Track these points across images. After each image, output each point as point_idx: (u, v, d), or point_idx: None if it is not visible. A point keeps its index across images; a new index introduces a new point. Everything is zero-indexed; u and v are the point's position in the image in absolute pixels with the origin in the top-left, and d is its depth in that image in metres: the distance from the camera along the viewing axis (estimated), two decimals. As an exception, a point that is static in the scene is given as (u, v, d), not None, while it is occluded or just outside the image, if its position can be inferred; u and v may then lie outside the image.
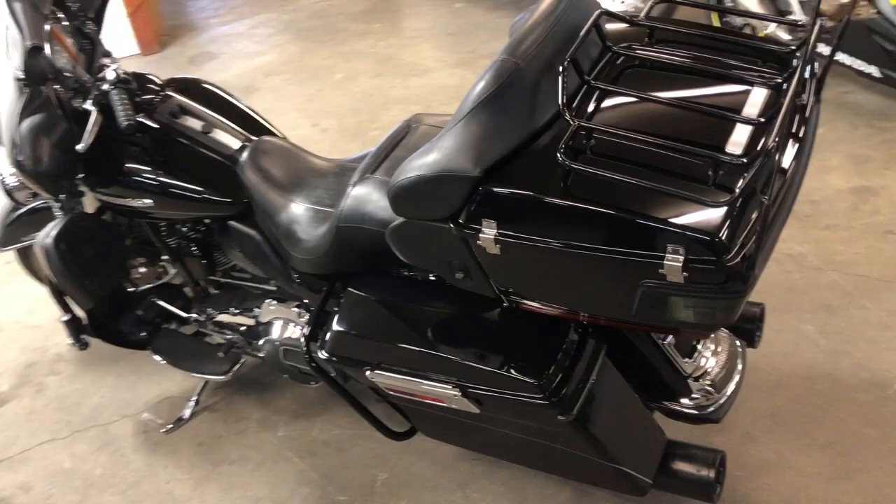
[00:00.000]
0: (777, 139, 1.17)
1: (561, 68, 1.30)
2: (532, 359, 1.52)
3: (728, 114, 1.30)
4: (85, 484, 2.21)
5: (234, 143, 2.03)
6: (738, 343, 1.86)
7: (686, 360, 1.72)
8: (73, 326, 2.21)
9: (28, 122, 1.84)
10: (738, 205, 1.20)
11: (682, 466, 1.70)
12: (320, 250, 1.78)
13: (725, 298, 1.25)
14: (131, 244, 2.24)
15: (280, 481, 2.13)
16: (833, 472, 1.95)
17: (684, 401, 1.74)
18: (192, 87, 2.16)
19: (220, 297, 2.30)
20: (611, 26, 1.53)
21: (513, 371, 1.50)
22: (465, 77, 3.98)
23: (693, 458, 1.71)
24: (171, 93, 2.06)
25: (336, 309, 1.72)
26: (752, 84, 1.37)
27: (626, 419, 1.68)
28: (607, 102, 1.40)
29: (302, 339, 1.84)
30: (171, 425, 2.31)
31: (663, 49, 1.46)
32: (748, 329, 1.92)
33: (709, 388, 1.74)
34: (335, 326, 1.68)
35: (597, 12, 1.43)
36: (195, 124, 2.03)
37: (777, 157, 1.23)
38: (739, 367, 1.81)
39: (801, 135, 1.39)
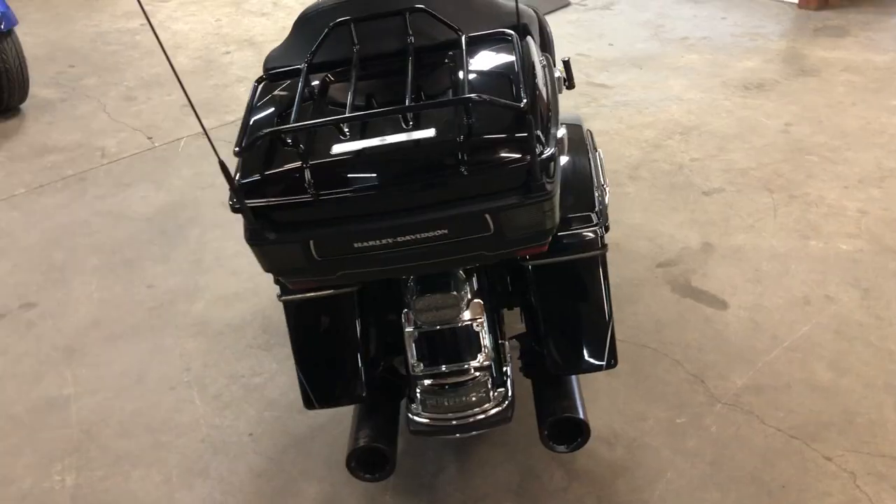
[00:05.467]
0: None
1: (326, 30, 1.66)
2: None
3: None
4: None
5: None
6: (505, 398, 1.77)
7: (419, 363, 1.75)
8: None
9: None
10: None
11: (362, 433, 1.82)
12: None
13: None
14: None
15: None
16: None
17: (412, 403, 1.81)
18: None
19: None
20: None
21: None
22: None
23: (369, 432, 1.81)
24: None
25: None
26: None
27: (328, 346, 1.86)
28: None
29: None
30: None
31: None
32: (547, 411, 1.81)
33: (422, 399, 1.76)
34: None
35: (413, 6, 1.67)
36: None
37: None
38: (477, 413, 1.75)
39: None
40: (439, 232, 1.48)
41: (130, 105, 4.36)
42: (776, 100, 3.89)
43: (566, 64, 2.59)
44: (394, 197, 1.46)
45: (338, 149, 1.46)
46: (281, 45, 1.83)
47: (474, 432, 1.81)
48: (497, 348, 1.86)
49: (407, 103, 1.47)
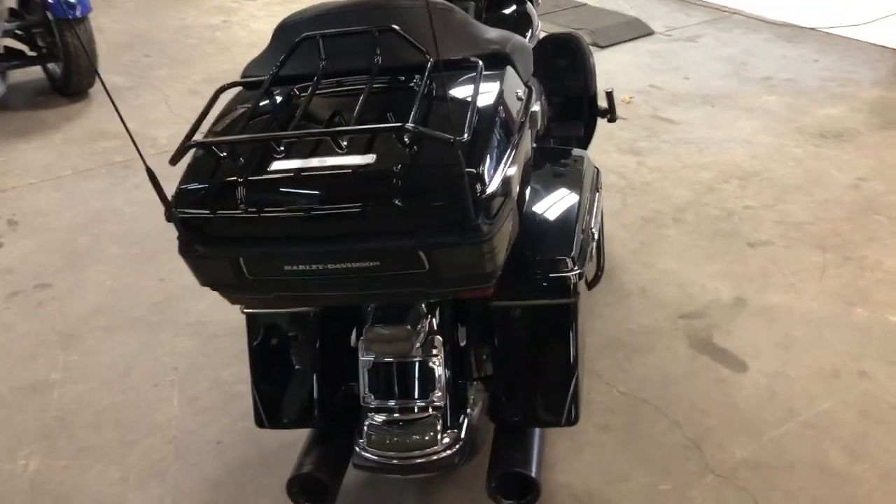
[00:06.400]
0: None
1: (293, 44, 1.60)
2: None
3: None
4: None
5: None
6: (456, 441, 1.68)
7: (370, 394, 1.68)
8: None
9: None
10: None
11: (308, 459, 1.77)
12: None
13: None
14: None
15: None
16: None
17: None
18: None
19: None
20: None
21: None
22: None
23: (313, 459, 1.76)
24: None
25: None
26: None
27: (285, 365, 1.83)
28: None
29: None
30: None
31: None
32: (499, 461, 1.72)
33: (368, 432, 1.69)
34: None
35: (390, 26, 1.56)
36: None
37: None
38: (425, 454, 1.66)
39: None
40: (371, 263, 1.40)
41: (192, 99, 4.44)
42: (853, 152, 3.65)
43: (609, 96, 2.49)
44: (325, 222, 1.38)
45: (275, 166, 1.40)
46: (259, 54, 1.79)
47: (418, 475, 1.72)
48: (457, 388, 1.76)
49: (350, 126, 1.39)
